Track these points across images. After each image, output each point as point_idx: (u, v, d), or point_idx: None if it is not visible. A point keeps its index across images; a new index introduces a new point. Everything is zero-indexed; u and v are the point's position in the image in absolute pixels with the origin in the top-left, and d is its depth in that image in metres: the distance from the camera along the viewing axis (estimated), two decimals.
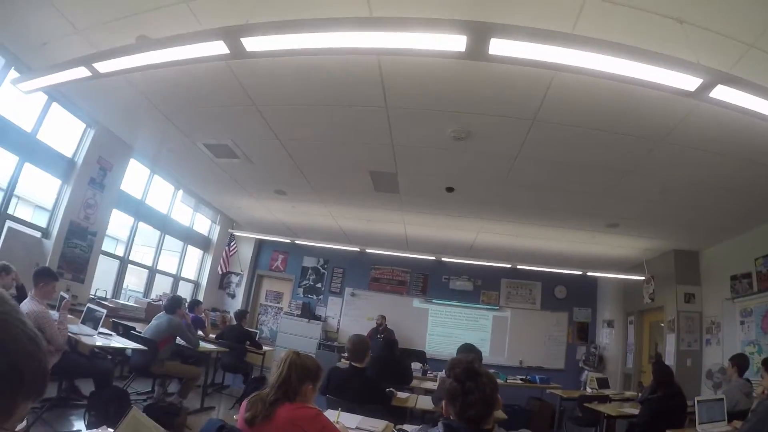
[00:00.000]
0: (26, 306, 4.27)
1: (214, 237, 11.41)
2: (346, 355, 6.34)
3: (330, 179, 7.24)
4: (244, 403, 2.37)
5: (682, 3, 3.03)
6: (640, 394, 6.40)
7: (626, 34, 3.12)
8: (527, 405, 8.81)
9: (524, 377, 8.90)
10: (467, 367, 1.98)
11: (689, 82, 2.91)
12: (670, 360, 8.07)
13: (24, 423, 0.86)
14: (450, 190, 6.80)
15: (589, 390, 7.82)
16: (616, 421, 6.51)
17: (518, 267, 10.12)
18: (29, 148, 6.01)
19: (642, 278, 9.25)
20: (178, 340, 6.28)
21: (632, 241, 8.45)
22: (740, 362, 5.31)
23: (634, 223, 7.42)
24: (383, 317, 10.82)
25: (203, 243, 11.27)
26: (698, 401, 4.60)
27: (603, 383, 8.09)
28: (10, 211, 6.05)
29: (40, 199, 6.71)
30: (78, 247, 6.82)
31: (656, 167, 5.34)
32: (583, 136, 4.82)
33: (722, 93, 2.99)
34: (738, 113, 3.27)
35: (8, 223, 5.94)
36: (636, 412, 5.58)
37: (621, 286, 10.68)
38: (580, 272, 9.90)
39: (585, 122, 4.57)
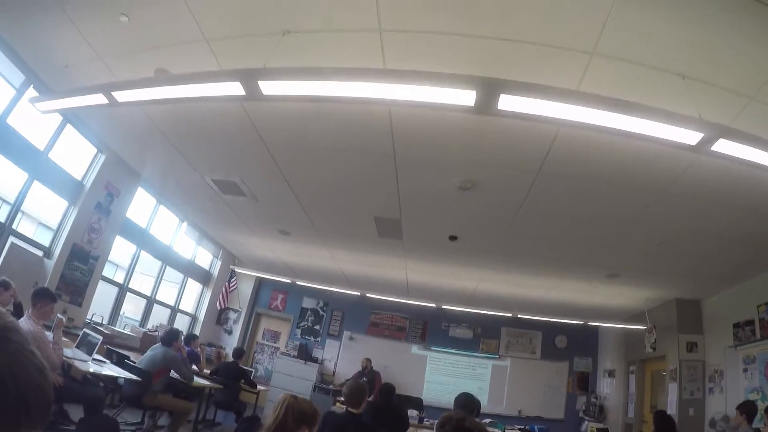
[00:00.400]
0: (22, 325, 4.24)
1: (215, 272, 11.38)
2: (341, 399, 6.26)
3: (334, 222, 7.31)
4: None
5: (685, 58, 3.14)
6: None
7: (630, 89, 3.24)
8: None
9: (523, 427, 8.73)
10: (456, 425, 2.03)
11: (691, 137, 2.96)
12: (672, 409, 7.91)
13: None
14: (453, 238, 6.84)
15: None
16: None
17: (519, 316, 10.06)
18: (40, 167, 6.06)
19: (643, 327, 9.13)
20: (172, 374, 6.21)
21: (633, 291, 8.42)
22: (749, 410, 5.19)
23: (635, 273, 7.41)
24: (368, 360, 10.68)
25: (203, 277, 11.24)
26: None
27: None
28: (14, 227, 6.06)
29: (44, 217, 6.72)
30: (79, 270, 6.80)
31: (657, 218, 5.37)
32: (585, 188, 4.91)
33: (723, 146, 3.03)
34: (739, 165, 3.31)
35: (11, 239, 5.94)
36: None
37: (622, 336, 10.54)
38: (581, 322, 9.82)
39: (588, 175, 4.65)
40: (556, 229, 6.11)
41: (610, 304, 9.31)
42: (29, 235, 6.62)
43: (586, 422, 10.09)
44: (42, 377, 0.81)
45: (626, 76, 3.32)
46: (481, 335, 11.80)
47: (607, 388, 11.01)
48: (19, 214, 6.33)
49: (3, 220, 5.89)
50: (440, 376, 11.68)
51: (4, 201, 6.03)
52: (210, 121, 5.08)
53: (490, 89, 2.75)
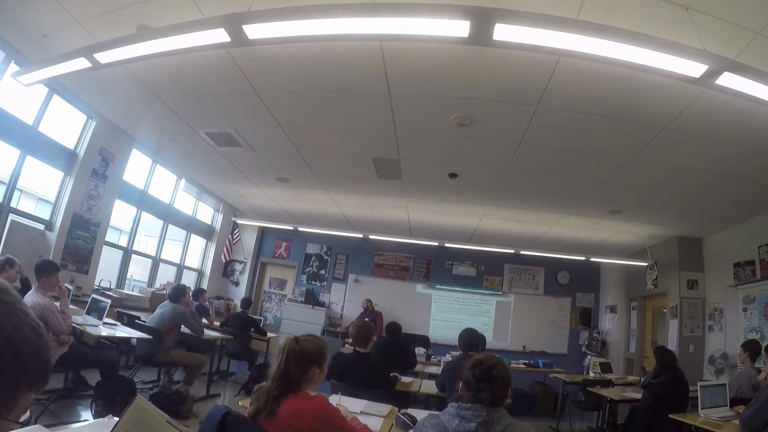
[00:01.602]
0: (30, 298, 4.29)
1: (217, 225, 11.42)
2: (350, 340, 6.37)
3: (333, 166, 7.22)
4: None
5: None
6: (642, 379, 6.42)
7: (631, 20, 3.10)
8: (530, 389, 8.86)
9: (527, 362, 8.89)
10: (485, 370, 2.09)
11: (695, 69, 2.88)
12: (672, 345, 8.14)
13: (28, 414, 0.87)
14: (453, 176, 6.78)
15: (591, 374, 7.87)
16: (619, 406, 6.54)
17: (521, 253, 10.11)
18: (31, 141, 6.01)
19: (645, 264, 9.26)
20: (183, 329, 6.29)
21: (635, 228, 8.46)
22: (752, 348, 5.29)
23: (637, 209, 7.42)
24: (369, 301, 10.94)
25: (206, 232, 11.30)
26: (701, 386, 4.60)
27: (606, 368, 8.11)
28: (12, 205, 6.06)
29: (42, 192, 6.72)
30: (81, 239, 6.84)
31: (660, 154, 5.30)
32: (586, 122, 4.78)
33: (728, 80, 2.96)
34: (744, 101, 3.24)
35: (11, 217, 5.97)
36: (638, 396, 5.60)
37: (624, 272, 10.71)
38: (583, 258, 9.88)
39: (589, 108, 4.52)
40: (558, 165, 6.03)
41: (612, 240, 9.37)
42: (30, 211, 6.63)
43: (588, 357, 10.32)
44: (37, 336, 0.81)
45: (627, 6, 3.16)
46: (485, 272, 11.98)
47: (608, 323, 11.27)
48: (17, 193, 6.32)
49: (1, 200, 5.88)
50: (445, 314, 11.92)
51: (2, 183, 5.96)
52: (198, 74, 4.91)
53: (484, 19, 2.64)
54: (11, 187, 5.99)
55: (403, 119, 5.27)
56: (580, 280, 11.76)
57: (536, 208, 7.93)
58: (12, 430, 0.86)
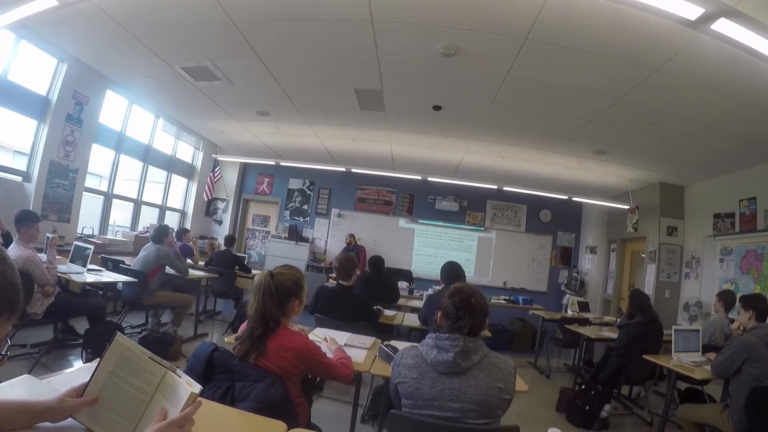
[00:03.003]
0: (12, 252, 4.26)
1: (198, 164, 11.24)
2: (333, 275, 6.39)
3: (314, 98, 6.99)
4: (242, 326, 2.34)
5: None
6: (618, 320, 6.58)
7: None
8: (509, 325, 9.12)
9: (508, 298, 9.14)
10: (464, 298, 2.11)
11: (691, 11, 2.87)
12: (649, 289, 8.41)
13: (7, 345, 0.91)
14: (437, 108, 6.62)
15: (570, 313, 8.05)
16: (595, 344, 6.80)
17: (504, 189, 10.11)
18: (0, 91, 5.81)
19: (626, 207, 9.38)
20: (168, 270, 6.28)
21: (619, 170, 8.47)
22: (727, 298, 5.38)
23: (622, 151, 7.40)
24: (352, 236, 11.06)
25: (187, 171, 11.12)
26: (675, 330, 4.74)
27: (584, 307, 8.33)
28: None
29: (18, 145, 6.54)
30: (60, 187, 6.73)
31: (649, 97, 5.22)
32: (576, 58, 4.62)
33: (724, 26, 2.97)
34: (738, 50, 3.20)
35: None
36: (614, 336, 5.76)
37: (605, 214, 10.83)
38: (565, 197, 9.91)
39: (579, 45, 4.37)
40: (544, 101, 5.90)
41: (595, 181, 9.39)
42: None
43: (567, 295, 10.59)
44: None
45: None
46: (467, 208, 12.04)
47: (588, 264, 11.49)
48: None
49: None
50: (428, 249, 12.05)
51: None
52: (171, 5, 4.63)
53: None
54: None
55: (387, 48, 5.04)
56: (562, 219, 11.89)
57: (521, 144, 7.84)
58: None
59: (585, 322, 7.14)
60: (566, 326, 6.84)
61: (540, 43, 4.45)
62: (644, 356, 4.69)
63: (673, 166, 7.70)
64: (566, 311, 8.40)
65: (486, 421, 1.96)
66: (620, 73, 4.77)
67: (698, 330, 4.87)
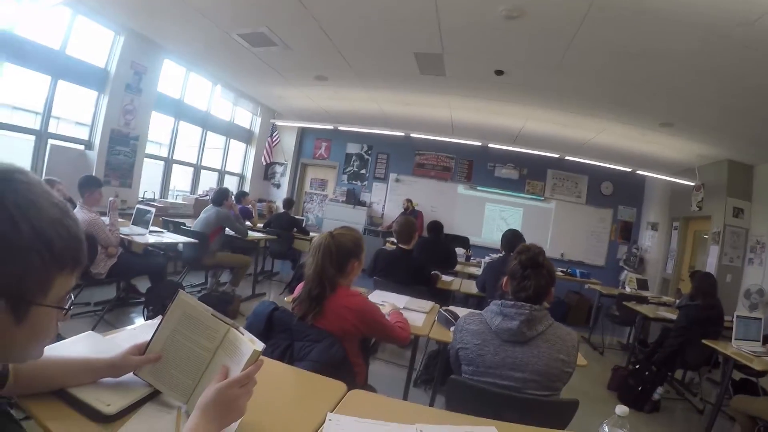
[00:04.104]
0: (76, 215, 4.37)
1: (256, 129, 11.41)
2: (391, 239, 6.38)
3: (372, 62, 6.89)
4: (299, 287, 2.35)
5: None
6: (677, 300, 6.32)
7: None
8: (565, 297, 8.97)
9: (565, 270, 8.90)
10: (532, 257, 2.08)
11: None
12: (710, 272, 7.93)
13: (70, 299, 0.91)
14: (499, 73, 6.39)
15: (627, 289, 7.80)
16: (651, 324, 6.53)
17: (566, 158, 9.80)
18: (60, 66, 6.07)
19: (692, 184, 8.84)
20: (228, 231, 6.42)
21: (685, 144, 7.97)
22: None
23: (690, 124, 6.93)
24: (409, 200, 11.04)
25: (245, 136, 11.32)
26: (737, 316, 4.49)
27: (642, 284, 8.05)
28: (50, 131, 6.21)
29: (79, 117, 6.82)
30: (122, 154, 6.99)
31: (723, 67, 4.83)
32: (646, 22, 4.30)
33: None
34: None
35: (51, 142, 6.15)
36: (672, 317, 5.55)
37: (668, 190, 10.27)
38: (629, 169, 9.53)
39: (650, 6, 4.06)
40: (611, 68, 5.57)
41: (660, 154, 8.89)
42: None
43: (625, 272, 10.24)
44: (61, 213, 0.81)
45: None
46: (527, 176, 11.67)
47: (648, 240, 10.99)
48: (54, 121, 6.40)
49: (39, 128, 6.04)
50: (487, 216, 11.82)
51: (37, 113, 6.11)
52: None
53: None
54: (47, 113, 6.10)
55: (448, 10, 4.85)
56: (624, 192, 11.32)
57: (584, 112, 7.50)
58: (59, 319, 0.84)
59: (643, 300, 6.92)
60: (624, 303, 6.61)
61: (609, 6, 4.17)
62: (703, 341, 4.47)
63: (743, 143, 7.19)
64: (624, 288, 8.15)
65: (546, 393, 1.92)
66: (693, 38, 4.40)
67: (761, 318, 4.58)
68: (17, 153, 6.07)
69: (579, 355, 2.12)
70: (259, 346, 1.21)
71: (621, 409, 1.30)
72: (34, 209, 0.76)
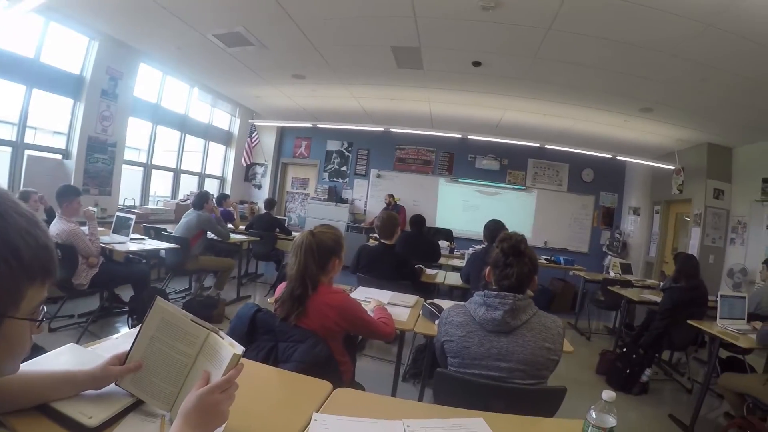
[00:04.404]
0: (55, 226, 4.39)
1: (235, 130, 11.34)
2: (374, 235, 6.37)
3: (350, 58, 6.85)
4: (279, 287, 2.34)
5: None
6: (661, 283, 6.40)
7: None
8: (550, 285, 9.04)
9: (549, 258, 8.99)
10: (514, 245, 2.09)
11: None
12: (692, 253, 8.03)
13: (44, 311, 0.89)
14: (477, 64, 6.40)
15: (612, 274, 7.89)
16: (636, 308, 6.62)
17: (546, 147, 9.85)
18: (34, 74, 6.02)
19: (672, 168, 8.98)
20: (210, 235, 6.38)
21: (665, 129, 8.07)
22: None
23: (669, 109, 7.01)
24: (391, 196, 11.09)
25: (224, 138, 11.24)
26: (721, 296, 4.54)
27: (626, 269, 8.17)
28: (27, 141, 6.14)
29: (57, 126, 6.77)
30: (100, 161, 6.92)
31: (701, 52, 4.89)
32: (623, 9, 4.33)
33: None
34: None
35: (27, 152, 6.09)
36: (657, 299, 5.60)
37: (649, 174, 10.42)
38: (609, 155, 9.61)
39: None
40: (589, 55, 5.59)
41: (640, 140, 8.99)
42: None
43: (609, 257, 10.31)
44: (29, 223, 0.80)
45: None
46: (508, 166, 11.72)
47: (631, 225, 11.14)
48: (31, 131, 6.36)
49: (15, 139, 5.99)
50: (468, 208, 11.84)
51: (13, 124, 6.09)
52: None
53: None
54: (23, 123, 6.02)
55: (424, 3, 4.86)
56: (605, 178, 11.44)
57: (563, 101, 7.53)
58: (32, 332, 0.84)
59: (627, 284, 7.01)
60: (608, 288, 6.69)
61: None
62: (688, 321, 4.51)
63: (721, 127, 7.30)
64: (608, 273, 8.23)
65: (533, 381, 1.92)
66: (671, 24, 4.44)
67: (744, 297, 4.64)
68: None
69: (565, 342, 2.12)
70: (239, 349, 1.19)
71: (608, 395, 1.30)
72: (1, 220, 0.75)
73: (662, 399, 4.96)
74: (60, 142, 6.69)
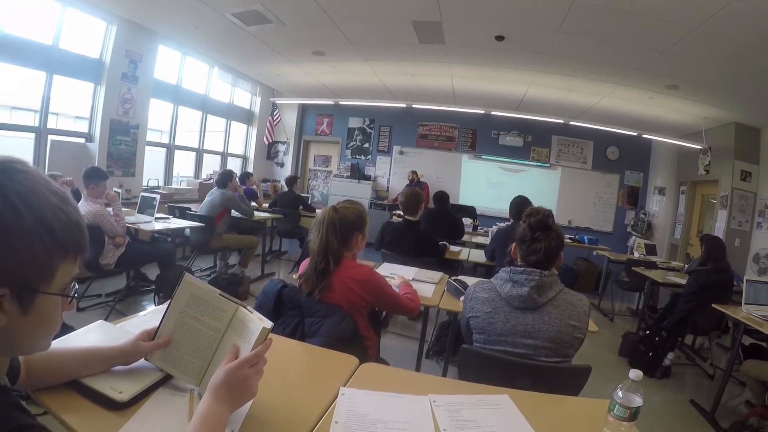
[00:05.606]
0: (81, 207, 4.38)
1: (256, 109, 11.34)
2: (398, 212, 6.35)
3: (370, 33, 6.77)
4: (303, 263, 2.36)
5: None
6: (686, 265, 6.28)
7: None
8: (574, 264, 8.93)
9: (573, 237, 8.87)
10: (542, 219, 2.05)
11: None
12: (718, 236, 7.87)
13: (75, 287, 0.90)
14: (500, 38, 6.27)
15: (636, 255, 7.77)
16: (660, 290, 6.54)
17: (570, 123, 9.65)
18: (54, 60, 6.06)
19: (699, 147, 8.67)
20: (234, 213, 6.42)
21: (692, 107, 7.84)
22: None
23: (696, 86, 6.79)
24: (414, 172, 10.99)
25: (246, 117, 11.26)
26: (747, 281, 4.44)
27: (651, 250, 8.03)
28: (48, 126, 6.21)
29: (78, 110, 6.84)
30: (123, 143, 7.02)
31: (728, 27, 4.71)
32: None
33: None
34: None
35: (50, 137, 6.16)
36: (681, 282, 5.50)
37: (675, 153, 10.10)
38: (635, 133, 9.36)
39: None
40: (615, 29, 5.43)
41: (666, 117, 8.77)
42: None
43: (633, 237, 10.17)
44: (60, 199, 0.82)
45: None
46: (532, 143, 11.51)
47: (656, 205, 10.88)
48: (53, 117, 6.41)
49: (37, 125, 6.05)
50: (492, 185, 11.71)
51: (35, 111, 6.14)
52: None
53: None
54: (45, 109, 6.09)
55: None
56: (630, 157, 11.15)
57: (588, 76, 7.37)
58: (64, 308, 0.84)
59: (651, 265, 6.89)
60: (632, 269, 6.58)
61: None
62: (713, 305, 4.42)
63: (750, 106, 7.04)
64: (632, 253, 8.11)
65: (558, 359, 1.91)
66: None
67: None
68: (18, 152, 6.01)
69: (590, 321, 2.10)
70: (268, 324, 1.20)
71: (635, 374, 1.29)
72: (34, 197, 0.76)
73: (684, 384, 4.91)
74: (83, 126, 6.77)
